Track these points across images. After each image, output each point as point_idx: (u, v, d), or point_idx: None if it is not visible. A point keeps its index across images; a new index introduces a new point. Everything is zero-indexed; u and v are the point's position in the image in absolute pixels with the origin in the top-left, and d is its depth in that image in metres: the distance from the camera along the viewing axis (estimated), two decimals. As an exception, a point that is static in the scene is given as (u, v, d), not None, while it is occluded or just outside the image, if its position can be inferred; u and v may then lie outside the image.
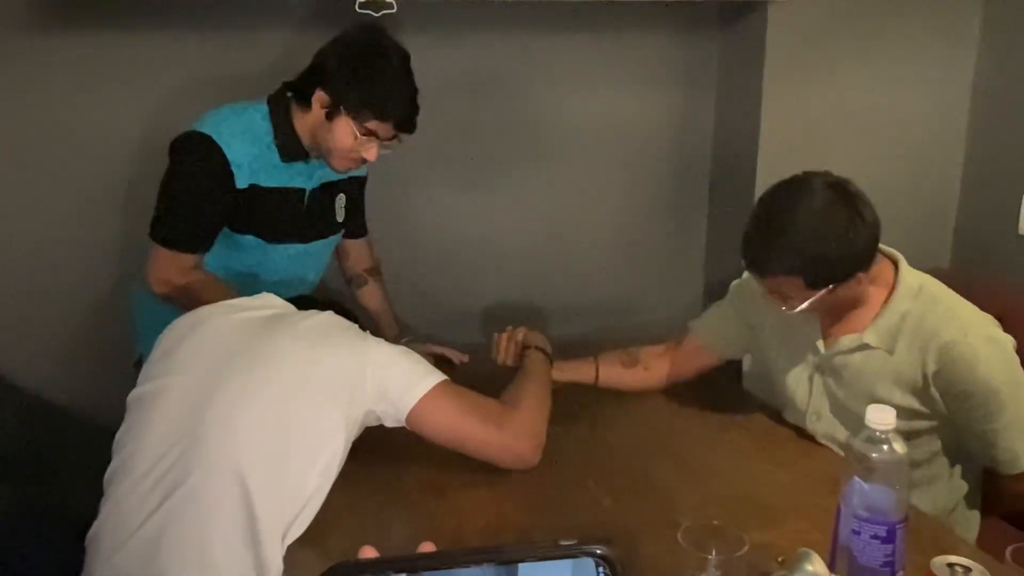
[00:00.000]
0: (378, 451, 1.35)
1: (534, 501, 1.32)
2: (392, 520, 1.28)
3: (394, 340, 1.95)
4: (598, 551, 0.45)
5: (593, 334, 2.29)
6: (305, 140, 1.68)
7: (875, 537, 0.92)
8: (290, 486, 1.19)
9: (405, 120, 1.63)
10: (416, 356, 1.36)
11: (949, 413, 1.38)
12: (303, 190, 1.76)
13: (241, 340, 1.30)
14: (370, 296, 2.04)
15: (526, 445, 1.36)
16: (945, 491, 1.49)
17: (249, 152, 1.66)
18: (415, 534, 1.23)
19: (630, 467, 1.44)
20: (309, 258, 1.86)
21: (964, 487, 1.49)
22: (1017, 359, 1.36)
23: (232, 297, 1.64)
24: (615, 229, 2.37)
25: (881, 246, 1.42)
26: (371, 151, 1.64)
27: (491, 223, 2.29)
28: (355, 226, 1.98)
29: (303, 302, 1.46)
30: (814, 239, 1.32)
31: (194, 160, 1.65)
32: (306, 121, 1.66)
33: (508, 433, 1.35)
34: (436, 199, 2.26)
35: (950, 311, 1.38)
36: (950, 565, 0.89)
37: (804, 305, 1.38)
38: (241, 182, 1.65)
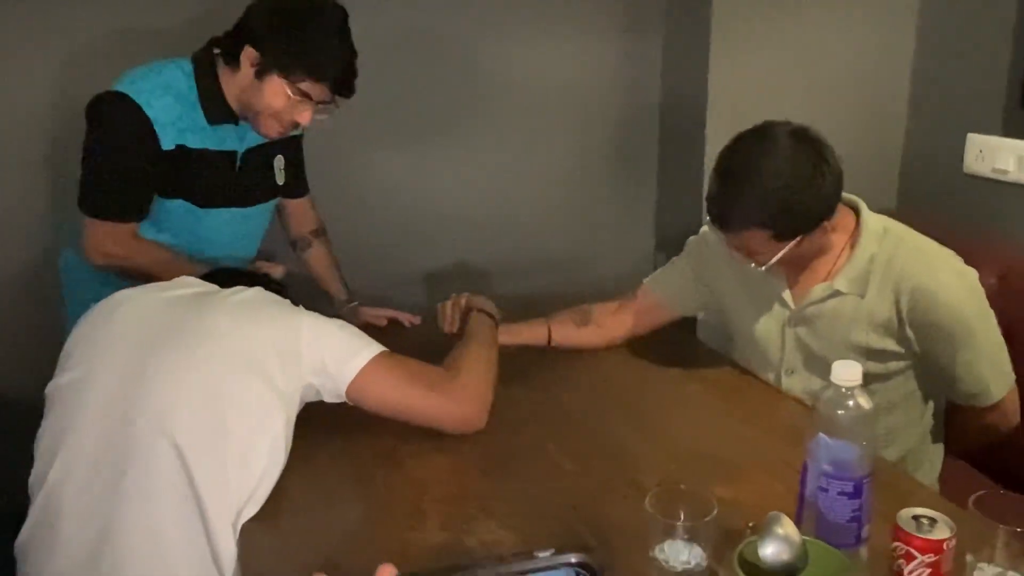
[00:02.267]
0: (328, 423, 1.31)
1: (494, 468, 1.29)
2: (349, 496, 1.24)
3: (343, 303, 1.92)
4: (574, 559, 0.42)
5: (544, 291, 2.25)
6: (233, 102, 1.59)
7: (842, 493, 0.91)
8: (234, 467, 1.14)
9: (342, 82, 1.54)
10: (352, 328, 1.32)
11: (922, 351, 1.39)
12: (234, 152, 1.67)
13: (167, 321, 1.24)
14: (316, 259, 1.96)
15: (471, 408, 1.33)
16: (917, 430, 1.51)
17: (172, 110, 1.55)
18: (373, 510, 1.20)
19: (589, 428, 1.42)
20: (247, 223, 1.77)
21: (931, 424, 1.51)
22: (983, 291, 1.37)
23: (180, 263, 1.59)
24: (563, 185, 2.33)
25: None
26: (304, 114, 1.56)
27: (436, 182, 2.23)
28: (296, 185, 1.89)
29: (227, 275, 1.40)
30: (781, 190, 1.30)
31: (113, 122, 1.54)
32: (234, 81, 1.56)
33: (452, 398, 1.32)
34: (378, 159, 2.18)
35: (917, 250, 1.38)
36: (915, 518, 0.88)
37: (774, 259, 1.36)
38: (167, 142, 1.55)
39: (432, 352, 1.39)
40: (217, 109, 1.59)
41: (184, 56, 1.61)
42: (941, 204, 2.11)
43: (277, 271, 1.71)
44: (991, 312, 1.38)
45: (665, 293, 1.68)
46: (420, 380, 1.32)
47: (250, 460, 1.16)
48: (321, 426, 1.29)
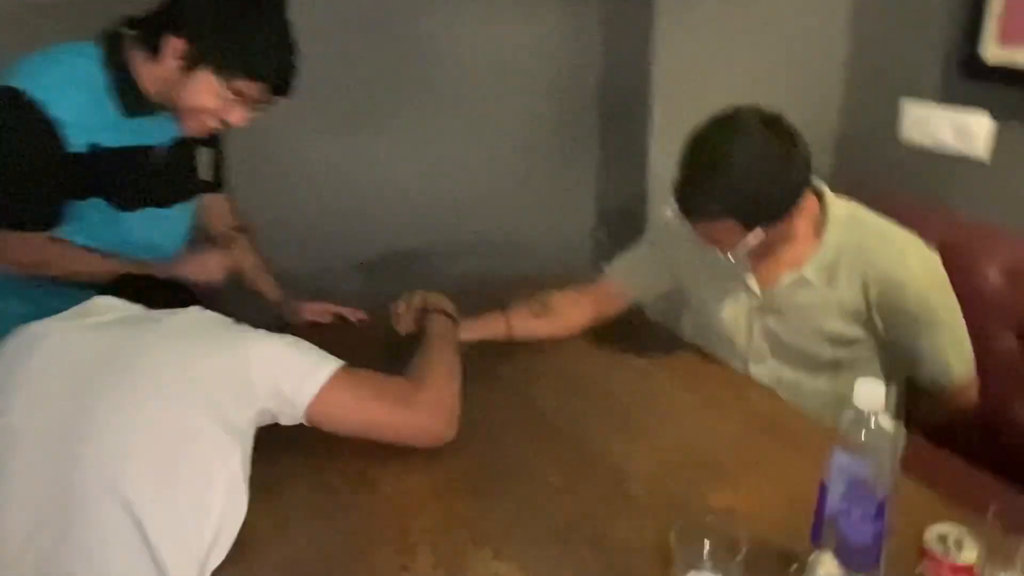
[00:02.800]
0: (287, 446, 1.21)
1: (479, 486, 1.22)
2: (326, 531, 1.15)
3: (277, 302, 1.79)
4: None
5: (484, 272, 2.19)
6: (151, 92, 1.42)
7: (865, 516, 0.89)
8: (191, 517, 1.04)
9: (282, 82, 1.40)
10: (305, 344, 1.21)
11: (888, 336, 1.40)
12: (153, 147, 1.51)
13: (100, 355, 1.10)
14: (239, 254, 1.81)
15: (440, 420, 1.26)
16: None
17: (81, 108, 1.38)
18: (357, 545, 1.11)
19: (567, 432, 1.36)
20: (169, 224, 1.61)
21: (894, 405, 1.53)
22: (946, 275, 1.38)
23: (102, 260, 1.44)
24: (503, 163, 2.24)
25: None
26: (236, 114, 1.41)
27: (372, 164, 2.10)
28: (216, 180, 1.74)
29: (143, 285, 1.28)
30: (749, 179, 1.27)
31: (9, 126, 1.36)
32: (153, 70, 1.39)
33: (419, 412, 1.25)
34: (308, 141, 2.04)
35: (883, 237, 1.38)
36: (942, 537, 0.88)
37: (743, 248, 1.34)
38: (76, 144, 1.38)
39: (383, 351, 1.33)
40: (133, 100, 1.42)
41: (83, 37, 1.42)
42: (876, 172, 2.14)
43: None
44: (954, 297, 1.40)
45: (627, 281, 1.64)
46: (384, 395, 1.23)
47: (208, 505, 1.05)
48: (280, 451, 1.19)
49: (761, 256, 1.43)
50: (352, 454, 1.26)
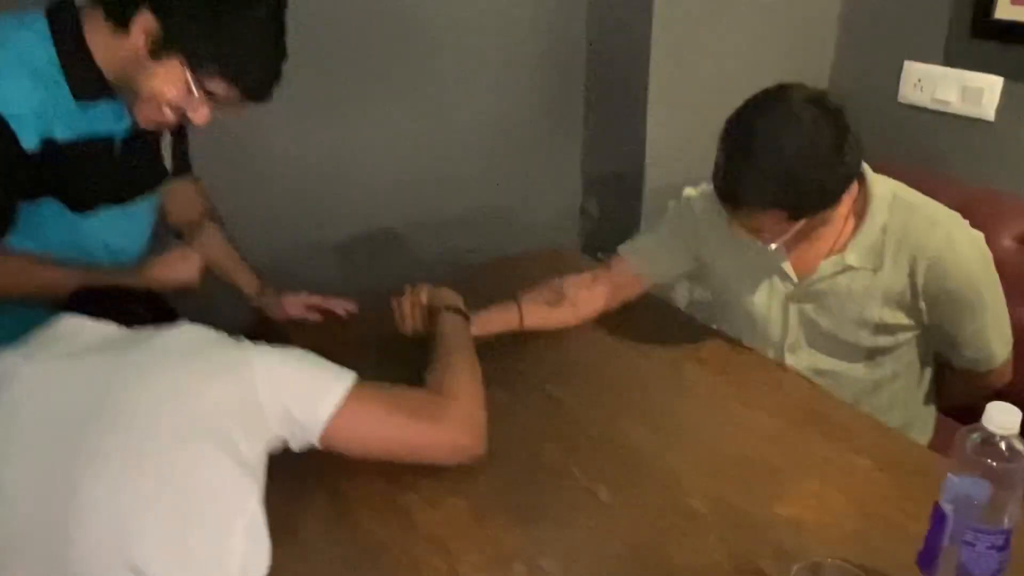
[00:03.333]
0: (302, 473, 1.09)
1: (523, 509, 1.11)
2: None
3: (256, 295, 1.62)
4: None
5: (470, 249, 2.05)
6: (108, 71, 1.22)
7: (992, 547, 0.82)
8: (206, 565, 0.89)
9: (262, 90, 1.23)
10: (312, 357, 1.07)
11: (931, 321, 1.33)
12: (111, 138, 1.31)
13: (82, 394, 0.93)
14: (210, 245, 1.58)
15: (468, 434, 1.14)
16: (917, 395, 1.47)
17: (31, 96, 1.17)
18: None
19: (604, 436, 1.25)
20: (131, 223, 1.42)
21: (928, 387, 1.48)
22: (991, 255, 1.32)
23: (61, 272, 1.24)
24: (486, 135, 2.09)
25: None
26: (201, 114, 1.23)
27: (347, 139, 1.92)
28: (180, 165, 1.54)
29: (101, 297, 1.11)
30: (802, 168, 1.17)
31: None
32: (114, 46, 1.19)
33: (446, 427, 1.13)
34: (281, 115, 1.82)
35: (930, 219, 1.29)
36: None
37: (785, 237, 1.25)
38: (28, 140, 1.18)
39: (380, 352, 1.24)
40: (88, 84, 1.22)
41: (31, 8, 1.21)
42: (873, 135, 2.05)
43: None
44: (997, 276, 1.33)
45: (643, 264, 1.52)
46: (406, 411, 1.11)
47: (228, 559, 0.91)
48: (288, 478, 1.05)
49: (798, 241, 1.34)
50: (373, 475, 1.14)
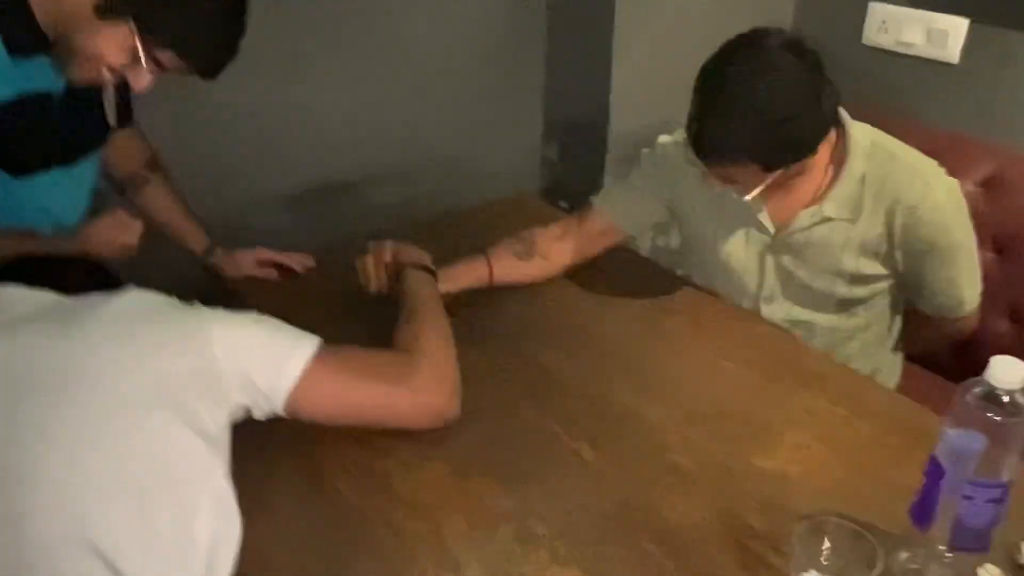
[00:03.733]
0: (273, 441, 1.03)
1: (506, 470, 1.07)
2: (351, 552, 0.97)
3: (205, 253, 1.54)
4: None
5: (431, 194, 1.99)
6: (47, 25, 1.11)
7: (990, 501, 0.81)
8: (174, 546, 0.84)
9: (213, 68, 1.15)
10: (272, 321, 1.02)
11: (906, 269, 1.33)
12: (50, 94, 1.21)
13: (27, 365, 0.85)
14: (157, 200, 1.51)
15: (441, 396, 1.10)
16: (888, 343, 1.48)
17: None
18: (391, 569, 0.95)
19: (582, 393, 1.23)
20: (71, 186, 1.32)
21: (897, 335, 1.49)
22: (966, 203, 1.31)
23: None
24: (442, 79, 1.99)
25: None
26: (143, 81, 1.14)
27: (297, 84, 1.81)
28: (124, 115, 1.44)
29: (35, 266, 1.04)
30: (778, 120, 1.14)
31: None
32: (58, 0, 1.09)
33: (417, 388, 1.08)
34: (236, 65, 1.71)
35: (909, 167, 1.28)
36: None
37: (759, 188, 1.22)
38: None
39: (341, 311, 1.21)
40: (24, 37, 1.11)
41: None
42: (836, 78, 2.04)
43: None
44: (971, 224, 1.33)
45: (617, 215, 1.48)
46: (374, 374, 1.06)
47: (195, 533, 0.85)
48: (259, 446, 1.00)
49: (774, 191, 1.31)
50: (348, 441, 1.09)
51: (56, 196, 1.27)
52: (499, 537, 0.97)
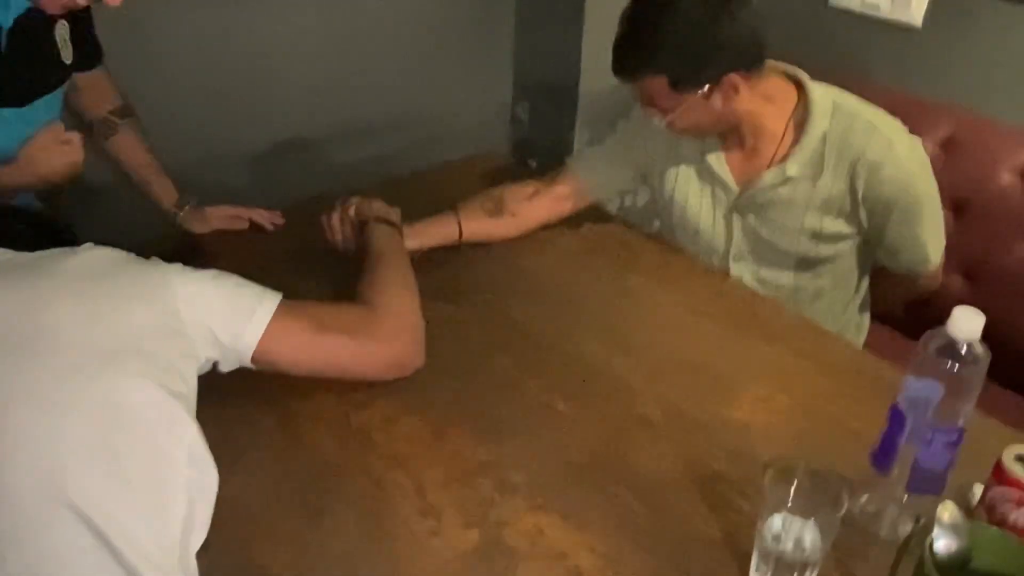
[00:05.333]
0: (248, 395, 1.05)
1: (482, 422, 1.09)
2: (331, 502, 0.98)
3: (177, 209, 1.52)
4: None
5: (398, 152, 1.98)
6: None
7: (947, 445, 0.85)
8: (149, 498, 0.84)
9: None
10: (232, 279, 1.03)
11: (870, 227, 1.36)
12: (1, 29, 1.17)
13: None
14: (126, 146, 1.49)
15: (404, 345, 1.12)
16: (855, 302, 1.51)
17: None
18: (369, 515, 0.96)
19: (555, 348, 1.25)
20: (26, 127, 1.27)
21: (864, 294, 1.53)
22: (928, 161, 1.34)
23: None
24: (410, 33, 1.97)
25: (779, 64, 1.34)
26: None
27: (268, 42, 1.78)
28: (87, 55, 1.41)
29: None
30: (674, 32, 1.22)
31: None
32: None
33: (380, 339, 1.10)
34: (197, 18, 1.68)
35: (870, 125, 1.30)
36: (1020, 458, 0.86)
37: (679, 115, 1.28)
38: None
39: (306, 268, 1.21)
40: None
41: None
42: (801, 40, 2.06)
43: None
44: (935, 181, 1.37)
45: (591, 178, 1.50)
46: (336, 327, 1.08)
47: (172, 484, 0.86)
48: (238, 405, 1.04)
49: (732, 148, 1.36)
50: (324, 394, 1.11)
51: (6, 138, 1.22)
52: (477, 486, 1.00)
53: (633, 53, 1.27)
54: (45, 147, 1.21)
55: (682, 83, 1.26)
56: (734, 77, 1.25)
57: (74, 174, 1.23)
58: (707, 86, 1.26)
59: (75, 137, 1.22)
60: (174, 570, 0.84)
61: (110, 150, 1.49)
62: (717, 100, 1.27)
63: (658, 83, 1.26)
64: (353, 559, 0.91)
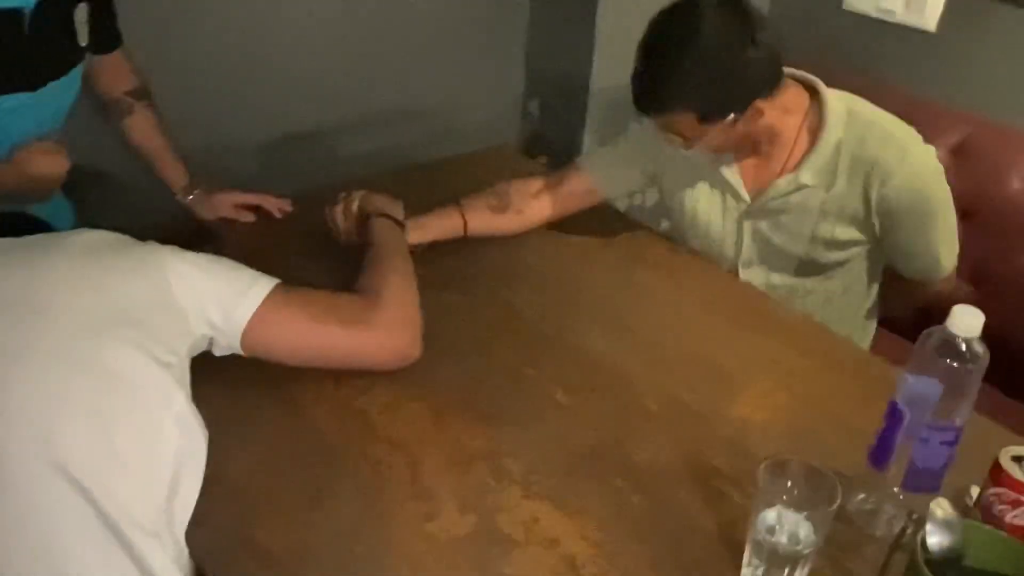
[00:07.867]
0: (249, 378, 1.06)
1: (481, 410, 1.10)
2: (331, 484, 0.99)
3: (186, 192, 1.53)
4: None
5: (407, 145, 1.98)
6: None
7: (944, 443, 0.85)
8: (138, 463, 0.86)
9: None
10: (227, 262, 1.05)
11: (883, 235, 1.35)
12: (20, 11, 1.18)
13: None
14: (140, 127, 1.49)
15: (402, 336, 1.13)
16: (864, 308, 1.51)
17: None
18: (368, 497, 0.97)
19: (558, 339, 1.25)
20: (41, 111, 1.29)
21: (873, 299, 1.52)
22: (942, 169, 1.34)
23: None
24: (426, 29, 1.97)
25: (792, 71, 1.32)
26: None
27: (277, 30, 1.78)
28: (106, 37, 1.42)
29: None
30: (701, 67, 1.19)
31: None
32: None
33: (379, 329, 1.10)
34: (205, 5, 1.69)
35: (885, 134, 1.30)
36: (1015, 459, 0.86)
37: (702, 143, 1.26)
38: None
39: (314, 258, 1.22)
40: None
41: None
42: (816, 44, 2.06)
43: None
44: (948, 188, 1.36)
45: (600, 177, 1.50)
46: (330, 315, 1.08)
47: (160, 451, 0.88)
48: (239, 388, 1.04)
49: (745, 155, 1.35)
50: (326, 379, 1.12)
51: (22, 123, 1.24)
52: (474, 472, 1.00)
53: (658, 90, 1.23)
54: (30, 158, 1.23)
55: (710, 117, 1.24)
56: (759, 103, 1.24)
57: (60, 179, 1.25)
58: (732, 115, 1.24)
59: (60, 155, 1.25)
60: (160, 531, 0.85)
61: (124, 131, 1.50)
62: (741, 125, 1.26)
63: (686, 119, 1.24)
64: (350, 540, 0.91)
